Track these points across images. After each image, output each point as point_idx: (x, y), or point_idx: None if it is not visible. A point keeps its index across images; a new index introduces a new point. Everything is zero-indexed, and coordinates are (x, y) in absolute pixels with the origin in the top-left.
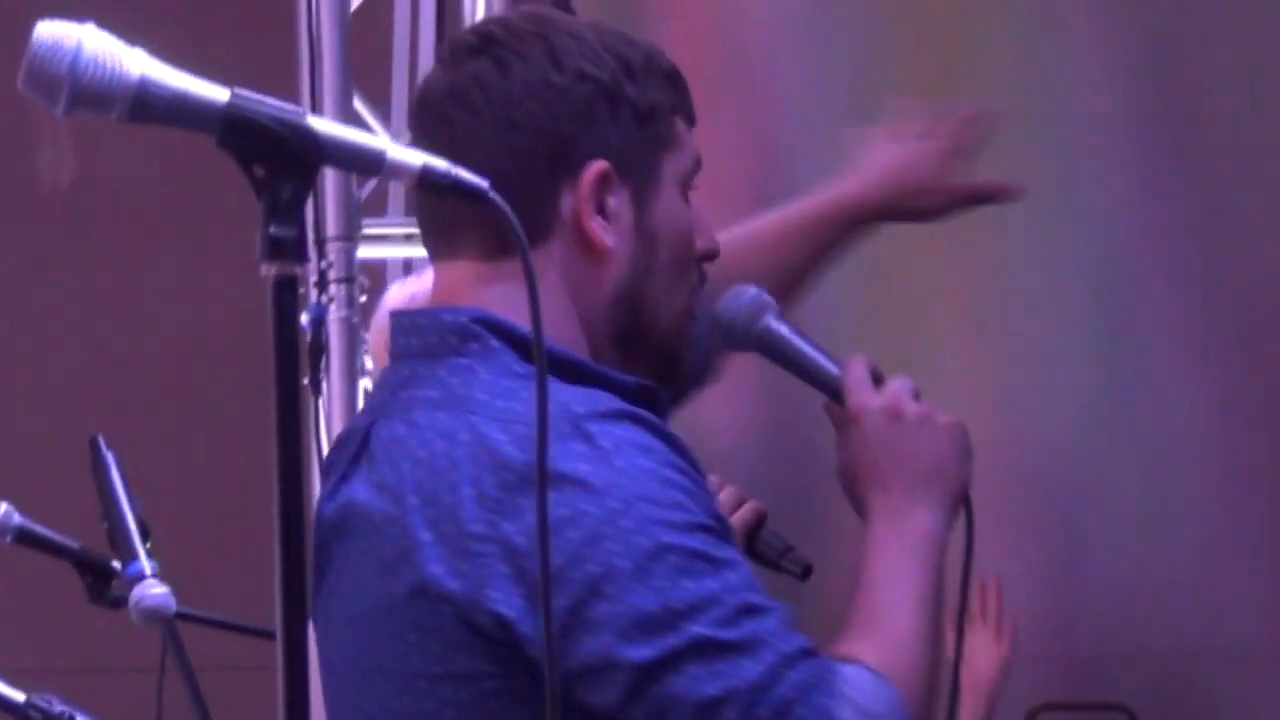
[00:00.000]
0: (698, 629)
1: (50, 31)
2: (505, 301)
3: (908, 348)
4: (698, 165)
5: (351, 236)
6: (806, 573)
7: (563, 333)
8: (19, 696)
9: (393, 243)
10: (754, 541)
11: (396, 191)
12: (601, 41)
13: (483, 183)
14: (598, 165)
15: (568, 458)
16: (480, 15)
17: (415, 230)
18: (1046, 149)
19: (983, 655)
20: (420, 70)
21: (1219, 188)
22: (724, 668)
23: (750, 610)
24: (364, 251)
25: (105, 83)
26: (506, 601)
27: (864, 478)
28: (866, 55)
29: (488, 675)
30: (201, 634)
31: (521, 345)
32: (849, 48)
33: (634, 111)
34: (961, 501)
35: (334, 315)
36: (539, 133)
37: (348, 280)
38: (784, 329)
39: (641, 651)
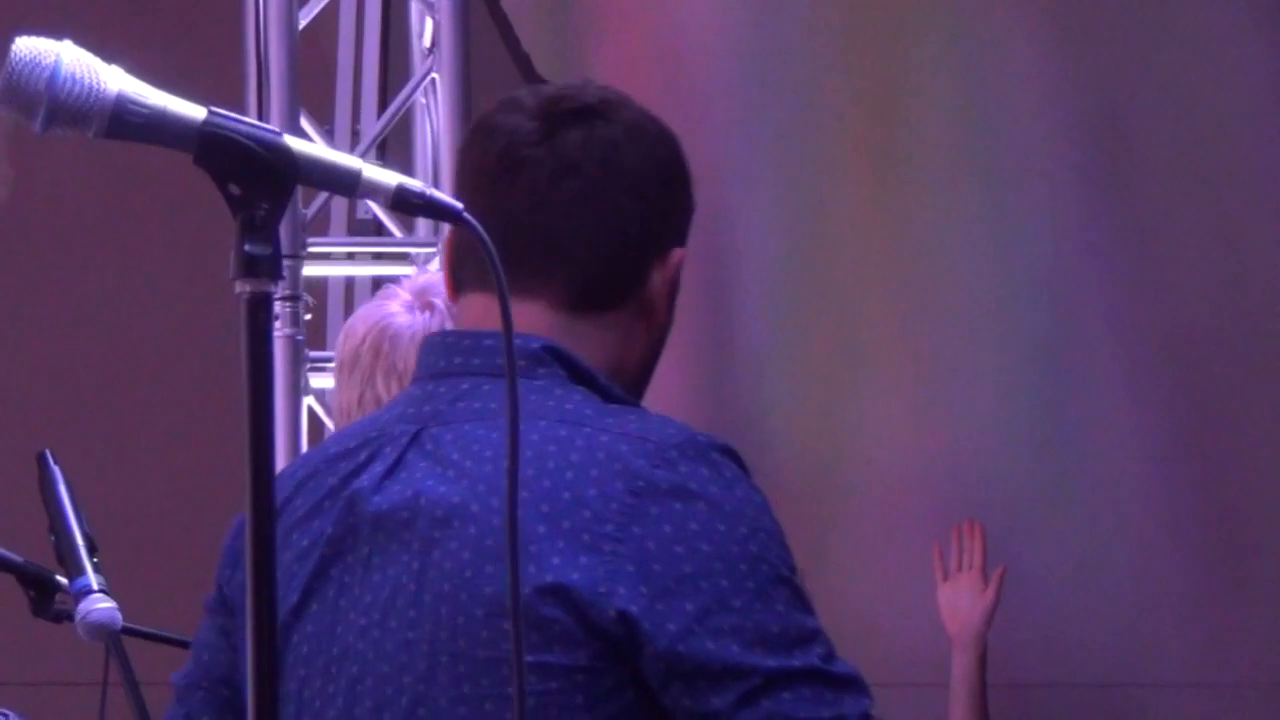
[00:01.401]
0: (810, 658)
1: (28, 47)
2: (611, 352)
3: (848, 381)
4: None
5: (297, 254)
6: None
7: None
8: None
9: (335, 261)
10: None
11: (339, 211)
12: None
13: (456, 204)
14: (679, 251)
15: (699, 480)
16: (427, 36)
17: (357, 249)
18: (985, 177)
19: (969, 601)
20: (364, 88)
21: (1151, 222)
22: (830, 697)
23: (837, 656)
24: (308, 270)
25: (83, 99)
26: (633, 599)
27: None
28: (805, 80)
29: (583, 671)
30: (147, 649)
31: (581, 375)
32: (789, 72)
33: (690, 205)
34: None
35: (279, 333)
36: (658, 206)
37: (293, 298)
38: None
39: (765, 662)
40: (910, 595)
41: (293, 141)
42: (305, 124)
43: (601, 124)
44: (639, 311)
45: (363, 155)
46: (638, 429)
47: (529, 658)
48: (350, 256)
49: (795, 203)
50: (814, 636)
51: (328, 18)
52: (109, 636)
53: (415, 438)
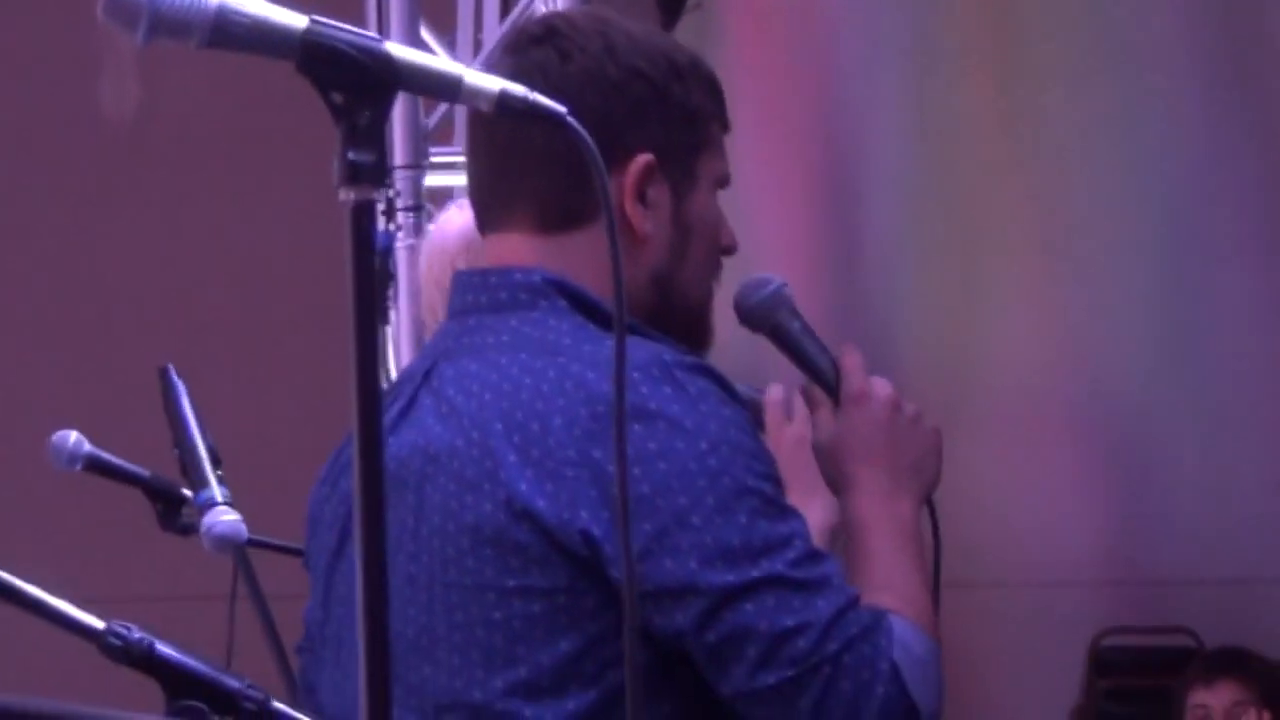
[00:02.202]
0: (775, 565)
1: None
2: (568, 271)
3: (972, 278)
4: (728, 171)
5: (419, 164)
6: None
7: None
8: (98, 624)
9: (460, 170)
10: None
11: (463, 120)
12: (654, 44)
13: (560, 108)
14: (644, 157)
15: (660, 399)
16: None
17: None
18: (1110, 80)
19: None
20: (485, 3)
21: None
22: (798, 603)
23: (815, 556)
24: (431, 180)
25: (184, 10)
26: (594, 521)
27: (855, 453)
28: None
29: (562, 591)
30: (273, 560)
31: (587, 309)
32: None
33: (680, 110)
34: (927, 502)
35: (401, 243)
36: (592, 121)
37: (415, 208)
38: (795, 325)
39: (723, 577)
40: (1042, 496)
41: (394, 48)
42: (425, 34)
43: (537, 50)
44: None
45: (484, 64)
46: (608, 355)
47: (510, 581)
48: None
49: (920, 107)
50: (784, 542)
51: None
52: (234, 549)
53: (427, 375)
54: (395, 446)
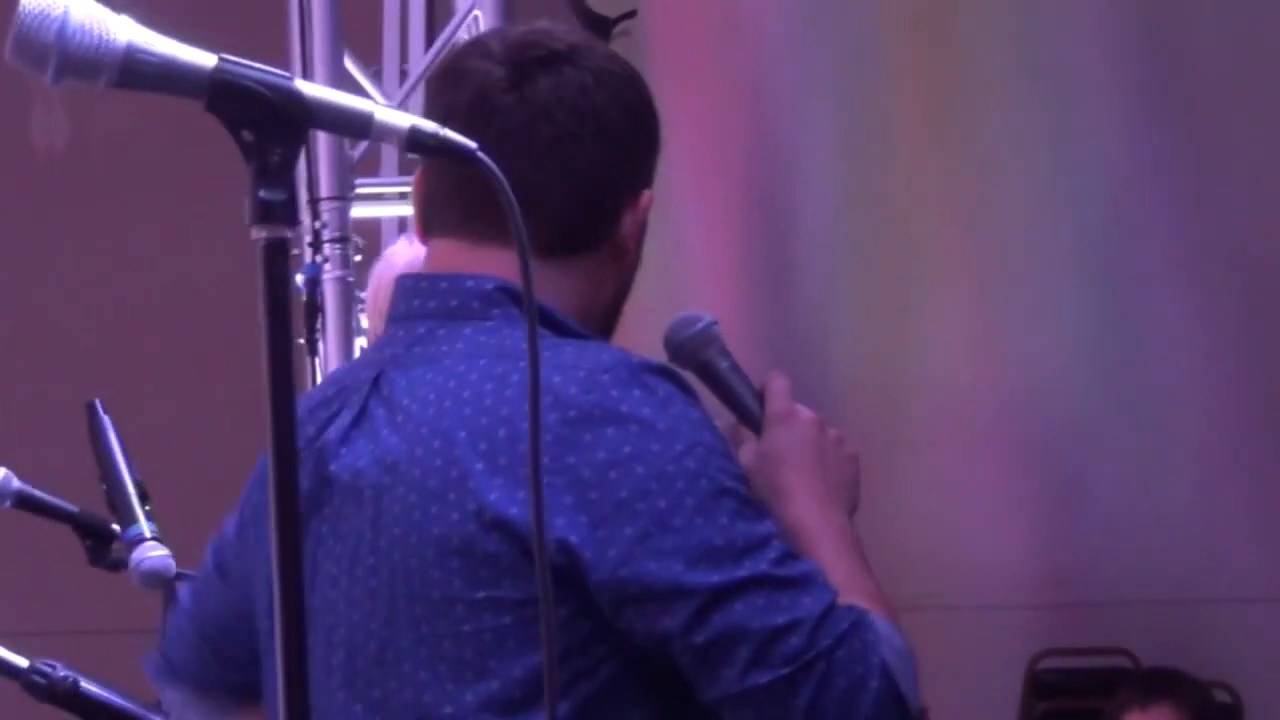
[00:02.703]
0: (759, 565)
1: (36, 1)
2: (578, 296)
3: (906, 293)
4: None
5: (345, 196)
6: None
7: (568, 316)
8: (22, 662)
9: (387, 201)
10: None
11: (390, 151)
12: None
13: (470, 144)
14: (648, 193)
15: (630, 401)
16: None
17: (409, 189)
18: (1042, 94)
19: None
20: (410, 31)
21: (1211, 133)
22: (786, 601)
23: (793, 555)
24: (358, 211)
25: (93, 50)
26: (572, 528)
27: (786, 463)
28: (862, 13)
29: (534, 602)
30: None
31: (543, 315)
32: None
33: (658, 146)
34: None
35: (329, 275)
36: (629, 150)
37: (342, 240)
38: (723, 364)
39: (709, 578)
40: (977, 516)
41: (304, 86)
42: (350, 65)
43: (571, 70)
44: (610, 254)
45: (409, 93)
46: (572, 358)
47: (480, 593)
48: (402, 195)
49: (853, 126)
50: (764, 542)
51: None
52: (164, 584)
53: (375, 383)
54: (350, 457)
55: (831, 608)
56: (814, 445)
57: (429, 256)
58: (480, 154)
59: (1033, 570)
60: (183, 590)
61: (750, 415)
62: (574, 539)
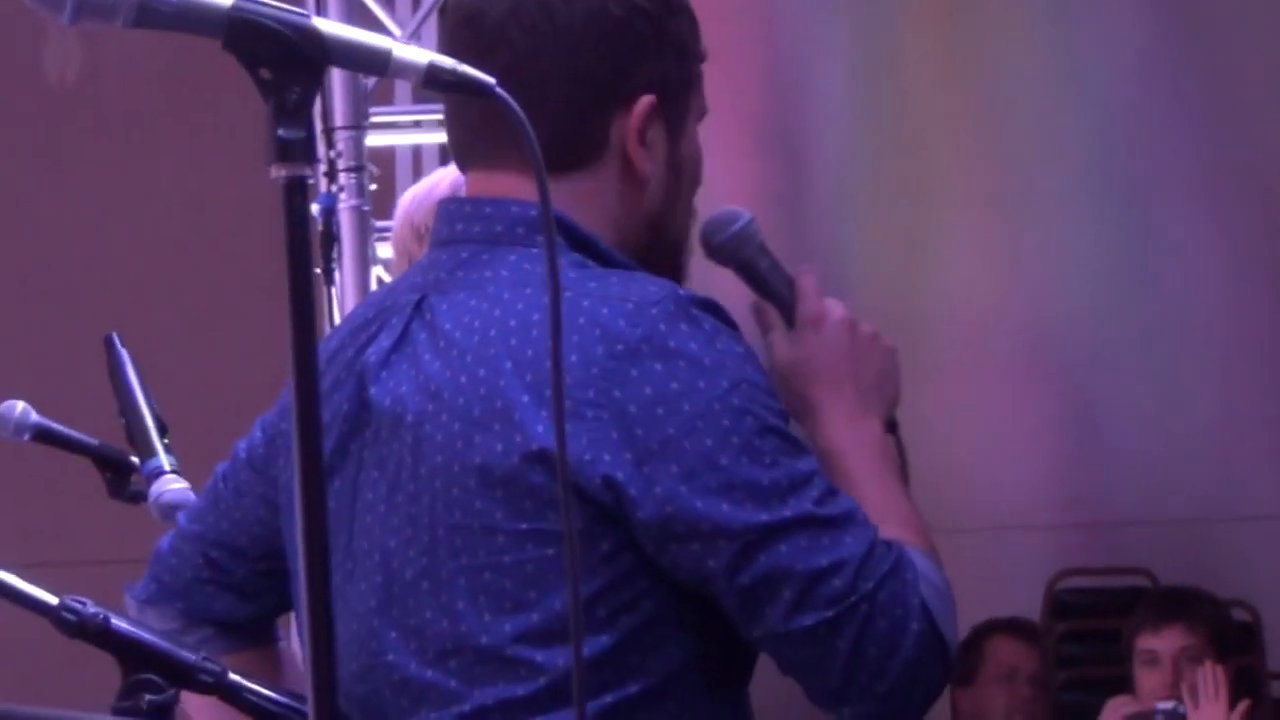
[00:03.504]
0: (804, 504)
1: None
2: (585, 211)
3: (921, 222)
4: (705, 103)
5: (359, 125)
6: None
7: (610, 242)
8: (52, 599)
9: (401, 130)
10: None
11: (401, 81)
12: None
13: (489, 79)
14: (647, 98)
15: (678, 336)
16: None
17: (424, 117)
18: (1054, 22)
19: None
20: None
21: (1226, 55)
22: (827, 541)
23: (835, 491)
24: (372, 140)
25: None
26: (618, 464)
27: (817, 378)
28: None
29: (579, 534)
30: None
31: (582, 245)
32: None
33: (675, 48)
34: (889, 423)
35: (344, 204)
36: (598, 61)
37: (357, 169)
38: (763, 263)
39: (756, 517)
40: (995, 439)
41: (322, 23)
42: None
43: None
44: (617, 168)
45: (422, 21)
46: (620, 291)
47: (523, 524)
48: (417, 124)
49: (867, 54)
50: (807, 480)
51: None
52: None
53: (418, 306)
54: (391, 382)
55: (873, 547)
56: (846, 350)
57: (469, 186)
58: (497, 89)
59: (1051, 492)
60: (181, 515)
61: (790, 313)
62: (620, 475)
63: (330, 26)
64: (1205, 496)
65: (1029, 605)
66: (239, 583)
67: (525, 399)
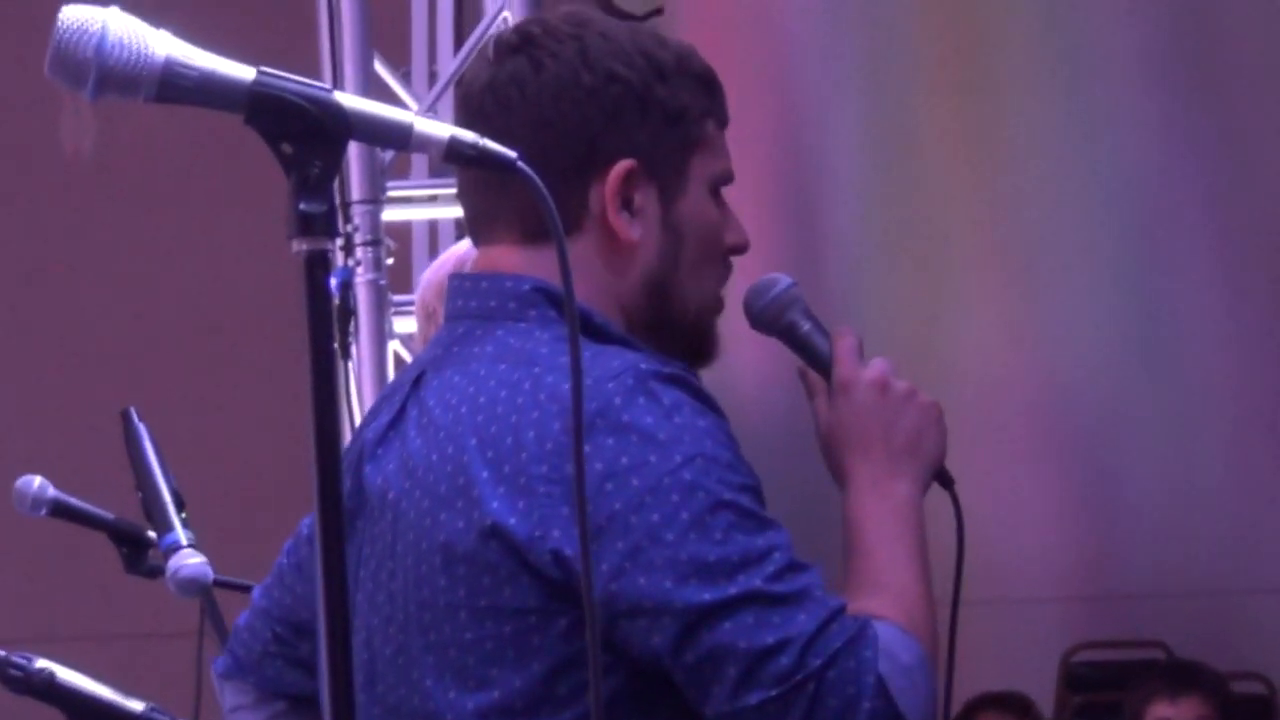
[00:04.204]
0: (752, 581)
1: (75, 15)
2: (554, 279)
3: (935, 287)
4: (729, 168)
5: (376, 199)
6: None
7: (607, 314)
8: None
9: (418, 204)
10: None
11: (419, 155)
12: (634, 43)
13: (510, 153)
14: (623, 164)
15: (632, 410)
16: None
17: (440, 191)
18: (1070, 86)
19: None
20: (439, 34)
21: (1242, 119)
22: (777, 619)
23: (795, 567)
24: (389, 214)
25: (131, 65)
26: (567, 541)
27: (848, 445)
28: (888, 8)
29: (534, 612)
30: (240, 600)
31: (580, 320)
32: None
33: (663, 112)
34: (936, 475)
35: (361, 278)
36: (568, 131)
37: (374, 243)
38: (805, 326)
39: (699, 595)
40: (1010, 510)
41: (344, 98)
42: (379, 68)
43: (512, 60)
44: (601, 235)
45: (439, 96)
46: (587, 364)
47: (482, 601)
48: (433, 199)
49: (881, 118)
50: (762, 556)
51: None
52: (201, 591)
53: (415, 383)
54: (383, 460)
55: (827, 623)
56: (875, 412)
57: (477, 259)
58: (519, 163)
59: (1066, 563)
60: (255, 590)
61: (826, 365)
62: (568, 551)
63: (352, 101)
64: (1219, 569)
65: (1043, 678)
66: (305, 658)
67: (485, 475)
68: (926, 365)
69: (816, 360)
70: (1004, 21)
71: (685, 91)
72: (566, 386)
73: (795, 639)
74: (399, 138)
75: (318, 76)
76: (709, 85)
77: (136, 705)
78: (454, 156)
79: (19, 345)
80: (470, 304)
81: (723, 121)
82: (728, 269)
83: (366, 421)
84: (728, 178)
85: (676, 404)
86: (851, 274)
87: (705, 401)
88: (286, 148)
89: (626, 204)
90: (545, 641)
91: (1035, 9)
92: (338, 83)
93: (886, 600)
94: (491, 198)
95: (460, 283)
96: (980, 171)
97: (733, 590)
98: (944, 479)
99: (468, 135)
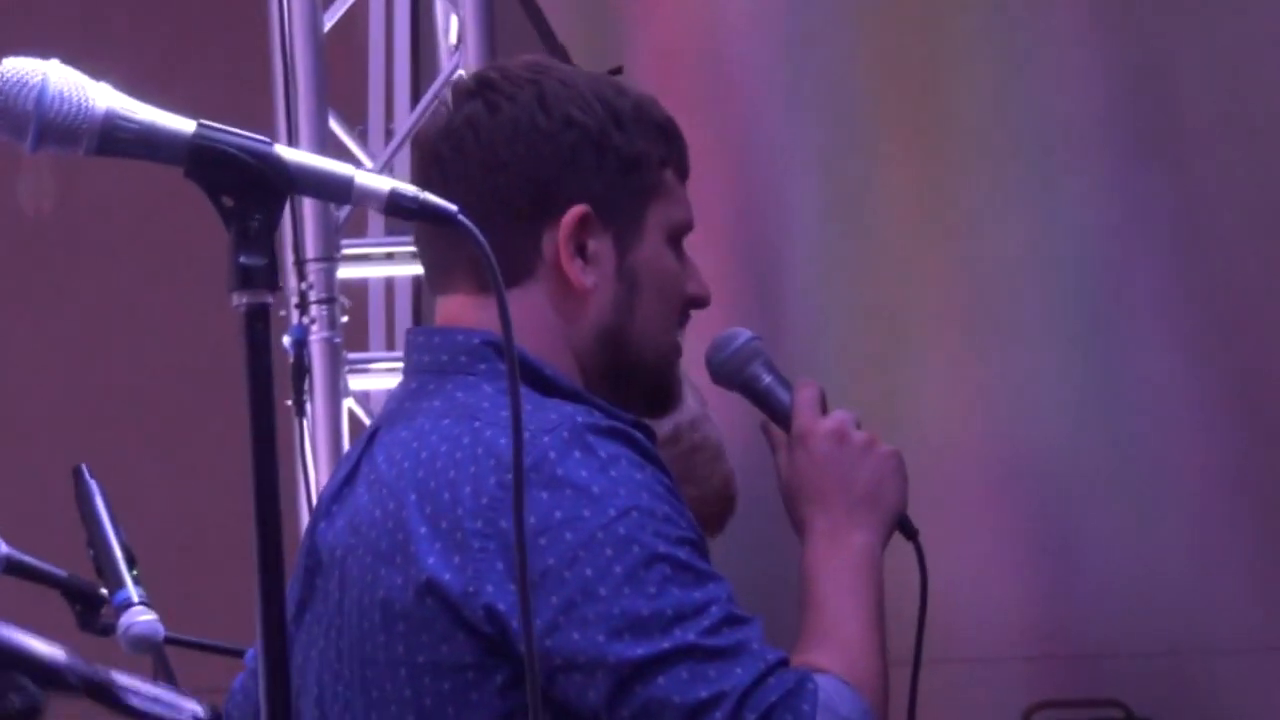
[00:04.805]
0: (687, 635)
1: (15, 67)
2: (522, 329)
3: (894, 350)
4: (688, 217)
5: (331, 257)
6: None
7: (560, 363)
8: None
9: (374, 262)
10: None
11: (374, 213)
12: (593, 89)
13: (450, 206)
14: (577, 209)
15: (567, 464)
16: (453, 33)
17: (397, 249)
18: (1026, 150)
19: None
20: (396, 90)
21: (1198, 185)
22: (712, 673)
23: (734, 620)
24: (345, 272)
25: (72, 118)
26: (500, 596)
27: (806, 496)
28: (843, 58)
29: (471, 668)
30: (193, 658)
31: (526, 369)
32: (825, 51)
33: (619, 159)
34: (899, 525)
35: (316, 336)
36: (521, 174)
37: (329, 301)
38: (764, 381)
39: (632, 650)
40: (969, 569)
41: (284, 151)
42: (334, 125)
43: (469, 103)
44: (554, 282)
45: (394, 152)
46: (525, 417)
47: (420, 658)
48: (389, 256)
49: (837, 183)
50: (698, 610)
51: (359, 18)
52: (152, 648)
53: (370, 440)
54: (336, 519)
55: (764, 676)
56: (833, 462)
57: (437, 311)
58: (460, 216)
59: (1026, 623)
60: (249, 652)
61: (787, 418)
62: (502, 606)
63: (293, 154)
64: (1180, 629)
65: None
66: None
67: (423, 530)
68: (885, 427)
69: (777, 413)
70: (961, 82)
71: (643, 139)
72: (505, 441)
73: (730, 693)
74: (340, 191)
75: (272, 133)
76: (668, 134)
77: (59, 656)
78: (395, 209)
79: None
80: (424, 359)
81: (683, 171)
82: (685, 319)
83: (328, 481)
84: (687, 227)
85: (613, 457)
86: (811, 336)
87: (645, 455)
88: (227, 200)
89: (580, 250)
90: (483, 697)
91: (991, 73)
92: (292, 140)
93: (832, 652)
94: (443, 249)
95: (414, 337)
96: (939, 234)
97: (666, 645)
98: (907, 529)
99: (408, 189)
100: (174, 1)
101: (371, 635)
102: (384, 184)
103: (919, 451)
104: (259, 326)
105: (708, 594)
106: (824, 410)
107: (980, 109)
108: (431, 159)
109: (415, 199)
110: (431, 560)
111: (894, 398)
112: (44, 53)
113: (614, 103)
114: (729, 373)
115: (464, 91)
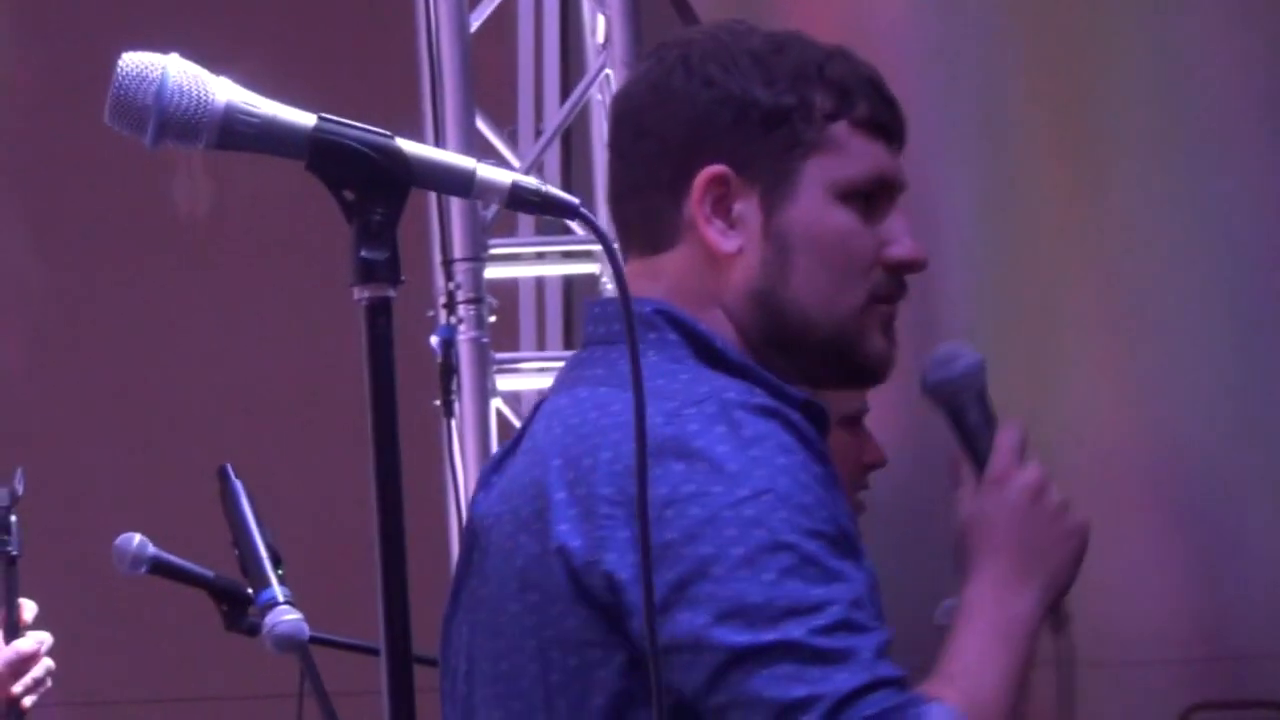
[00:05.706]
0: (796, 631)
1: (134, 61)
2: (675, 296)
3: (1046, 350)
4: (867, 173)
5: (478, 256)
6: None
7: (722, 331)
8: None
9: (523, 262)
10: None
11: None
12: (747, 47)
13: (573, 199)
14: (710, 170)
15: (707, 438)
16: (600, 32)
17: (546, 248)
18: (1181, 144)
19: None
20: (545, 90)
21: None
22: (814, 674)
23: (851, 626)
24: (493, 271)
25: (191, 112)
26: (621, 565)
27: (986, 540)
28: (994, 57)
29: (592, 645)
30: (338, 657)
31: (695, 339)
32: (976, 50)
33: (762, 116)
34: (1053, 606)
35: (463, 336)
36: (660, 139)
37: (476, 300)
38: (973, 417)
39: (735, 637)
40: (1124, 572)
41: (405, 144)
42: (481, 125)
43: (634, 74)
44: (697, 246)
45: (542, 150)
46: (673, 389)
47: (547, 631)
48: (539, 255)
49: (988, 184)
50: (815, 607)
51: (507, 19)
52: (297, 647)
53: (536, 409)
54: (492, 489)
55: (867, 689)
56: (1019, 516)
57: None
58: (581, 208)
59: (1182, 624)
60: None
61: (983, 461)
62: (622, 575)
63: (414, 147)
64: None
65: None
66: None
67: (561, 496)
68: (1039, 428)
69: (976, 452)
70: (1116, 82)
71: (798, 94)
72: (651, 409)
73: (825, 697)
74: (461, 183)
75: (419, 135)
76: (847, 89)
77: None
78: (517, 203)
79: (118, 403)
80: (599, 330)
81: (873, 127)
82: (892, 285)
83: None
84: (869, 183)
85: (758, 436)
86: (963, 336)
87: (801, 438)
88: (348, 194)
89: (725, 213)
90: (608, 675)
91: (1142, 70)
92: (439, 141)
93: (957, 692)
94: (621, 210)
95: (591, 308)
96: (1091, 230)
97: (770, 637)
98: (1058, 617)
99: (530, 181)
100: (322, 2)
101: (504, 606)
102: (506, 177)
103: (1073, 452)
104: (381, 321)
105: (829, 593)
106: (1023, 457)
107: (1131, 107)
108: (609, 134)
109: (537, 191)
110: (564, 526)
111: (1046, 399)
112: (197, 54)
113: (768, 59)
114: (944, 395)
115: (640, 66)
